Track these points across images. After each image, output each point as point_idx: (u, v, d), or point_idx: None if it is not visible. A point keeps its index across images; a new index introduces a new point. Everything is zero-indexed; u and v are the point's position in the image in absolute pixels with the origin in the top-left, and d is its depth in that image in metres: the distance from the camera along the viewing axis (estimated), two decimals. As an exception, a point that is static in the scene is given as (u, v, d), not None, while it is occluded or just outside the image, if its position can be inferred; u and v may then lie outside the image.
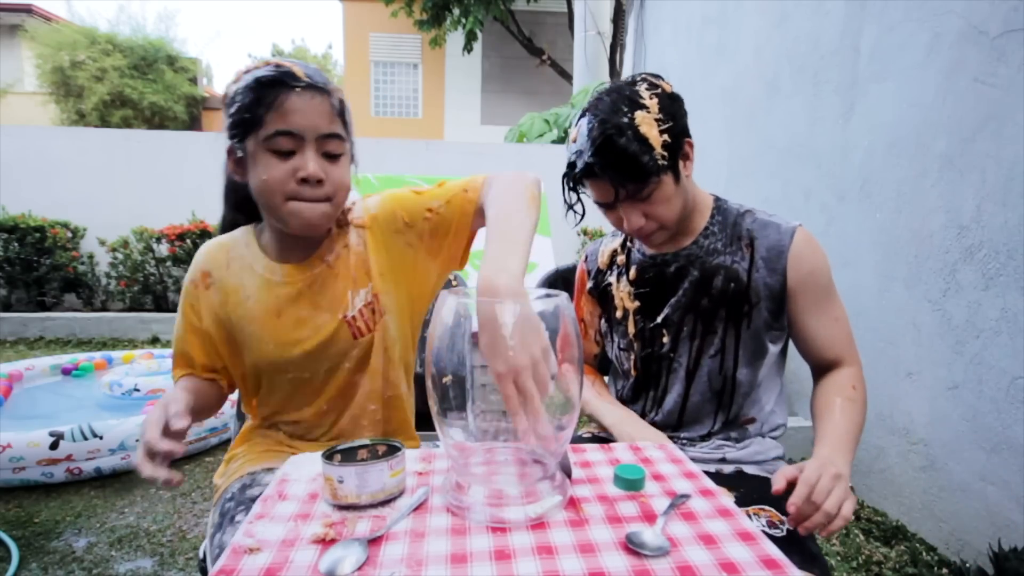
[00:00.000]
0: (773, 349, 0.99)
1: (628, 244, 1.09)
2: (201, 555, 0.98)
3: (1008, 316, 1.56)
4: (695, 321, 0.99)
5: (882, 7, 2.03)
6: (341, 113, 0.85)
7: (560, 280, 1.40)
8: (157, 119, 10.14)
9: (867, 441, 2.11)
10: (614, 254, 1.11)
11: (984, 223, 1.64)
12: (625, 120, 0.87)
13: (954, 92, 1.74)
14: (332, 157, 0.84)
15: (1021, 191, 1.53)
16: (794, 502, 0.73)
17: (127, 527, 1.88)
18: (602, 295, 1.12)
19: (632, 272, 1.05)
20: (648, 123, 0.88)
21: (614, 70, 6.54)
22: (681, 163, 0.94)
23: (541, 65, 8.57)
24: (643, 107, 0.88)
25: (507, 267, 0.69)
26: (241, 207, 0.96)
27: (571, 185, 0.96)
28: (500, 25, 8.79)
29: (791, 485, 0.76)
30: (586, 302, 1.16)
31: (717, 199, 1.04)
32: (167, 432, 0.71)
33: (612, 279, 1.09)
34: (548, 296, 0.69)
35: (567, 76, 8.15)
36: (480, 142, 6.77)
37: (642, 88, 0.91)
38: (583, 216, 0.99)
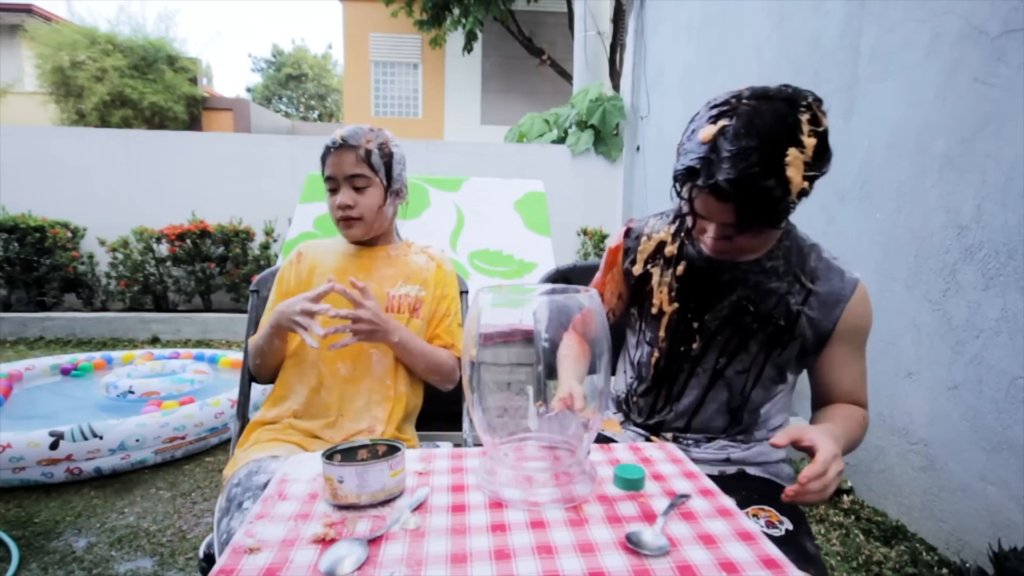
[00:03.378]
0: (791, 379, 1.02)
1: (682, 236, 1.03)
2: (201, 555, 0.98)
3: (1008, 316, 1.56)
4: (731, 335, 0.98)
5: (882, 7, 2.03)
6: (367, 160, 1.17)
7: (560, 280, 1.40)
8: (157, 119, 10.13)
9: (867, 441, 2.11)
10: (661, 244, 1.04)
11: (984, 223, 1.64)
12: (777, 156, 0.76)
13: (954, 92, 1.74)
14: (359, 189, 1.18)
15: (1021, 191, 1.53)
16: (805, 480, 0.71)
17: (127, 527, 1.88)
18: (638, 284, 1.06)
19: (680, 267, 1.01)
20: (797, 166, 0.77)
21: (614, 70, 6.54)
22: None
23: (541, 65, 8.56)
24: (800, 144, 0.77)
25: None
26: None
27: (682, 189, 0.86)
28: (500, 25, 8.78)
29: (794, 444, 0.78)
30: (612, 280, 1.11)
31: (787, 222, 0.99)
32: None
33: (655, 270, 1.04)
34: (558, 291, 0.70)
35: (567, 76, 8.15)
36: (480, 142, 6.76)
37: (805, 119, 0.78)
38: (692, 224, 0.90)
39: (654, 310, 1.03)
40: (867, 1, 2.10)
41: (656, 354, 1.04)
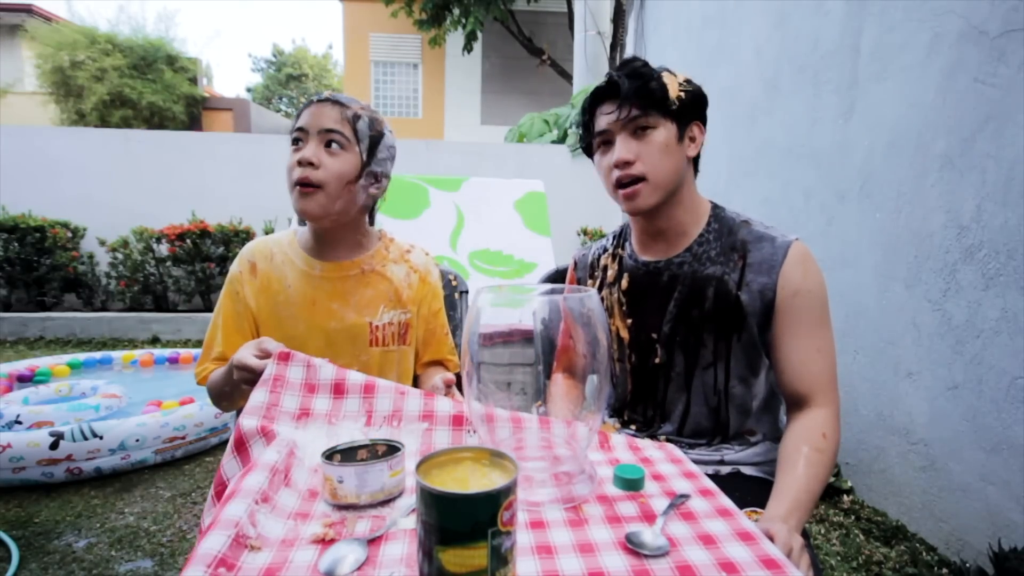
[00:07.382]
0: (767, 364, 0.97)
1: (619, 251, 1.07)
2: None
3: (1008, 316, 1.56)
4: (686, 333, 0.97)
5: (882, 7, 2.03)
6: (353, 122, 1.01)
7: (560, 280, 1.40)
8: (157, 119, 10.13)
9: (867, 441, 2.11)
10: (605, 268, 1.09)
11: (984, 223, 1.64)
12: (657, 73, 0.96)
13: (954, 92, 1.74)
14: (331, 146, 0.99)
15: (1021, 191, 1.53)
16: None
17: (127, 527, 1.88)
18: None
19: (624, 282, 1.03)
20: (671, 78, 0.95)
21: (614, 70, 6.54)
22: (687, 134, 0.96)
23: (541, 65, 8.56)
24: (672, 74, 0.97)
25: None
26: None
27: (588, 112, 1.00)
28: (500, 25, 8.78)
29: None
30: None
31: (715, 206, 1.01)
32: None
33: (604, 293, 1.07)
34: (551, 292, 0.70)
35: (567, 76, 8.15)
36: (480, 142, 6.76)
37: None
38: (583, 145, 1.03)
39: (612, 330, 1.05)
40: (867, 1, 2.10)
41: (628, 368, 1.04)
